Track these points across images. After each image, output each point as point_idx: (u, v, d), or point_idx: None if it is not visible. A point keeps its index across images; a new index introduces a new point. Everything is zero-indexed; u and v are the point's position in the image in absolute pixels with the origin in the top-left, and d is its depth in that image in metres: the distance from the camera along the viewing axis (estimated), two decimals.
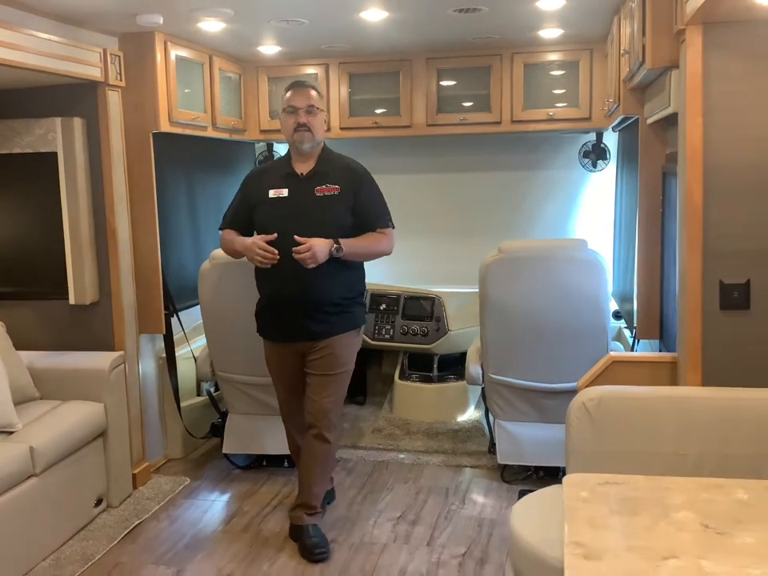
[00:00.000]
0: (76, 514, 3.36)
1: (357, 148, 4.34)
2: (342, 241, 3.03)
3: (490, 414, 3.99)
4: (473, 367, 3.83)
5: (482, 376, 3.81)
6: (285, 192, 3.11)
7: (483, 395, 3.95)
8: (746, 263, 2.49)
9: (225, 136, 4.40)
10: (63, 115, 3.46)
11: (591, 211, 4.91)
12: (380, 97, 4.58)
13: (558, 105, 4.37)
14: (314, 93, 3.15)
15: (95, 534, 3.35)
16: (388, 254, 3.21)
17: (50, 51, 3.11)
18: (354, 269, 3.20)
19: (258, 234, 3.14)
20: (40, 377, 3.51)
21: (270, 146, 5.05)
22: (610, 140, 4.72)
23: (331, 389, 3.19)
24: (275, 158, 3.35)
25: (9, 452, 2.98)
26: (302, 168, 3.13)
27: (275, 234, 3.02)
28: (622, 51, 3.09)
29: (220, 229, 3.31)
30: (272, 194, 3.12)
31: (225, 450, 3.99)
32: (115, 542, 3.29)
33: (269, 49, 4.24)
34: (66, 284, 3.59)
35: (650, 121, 3.19)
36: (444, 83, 4.50)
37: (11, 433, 3.14)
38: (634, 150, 3.77)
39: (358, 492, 3.77)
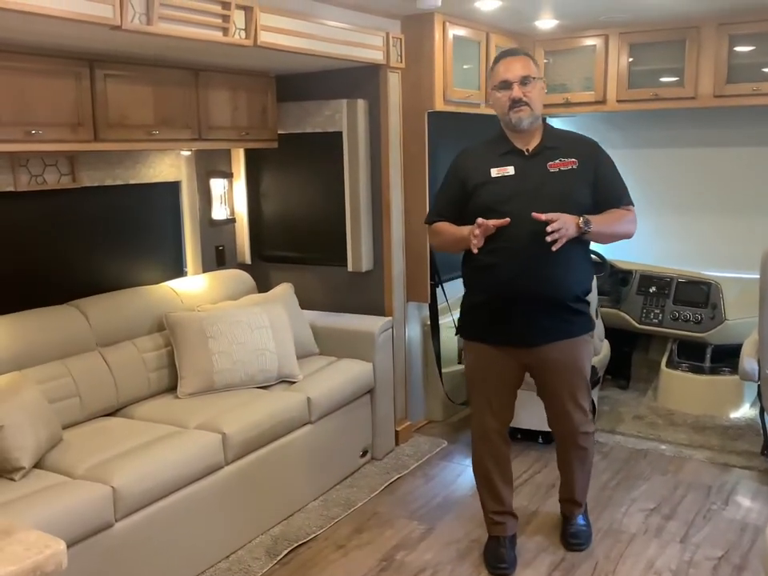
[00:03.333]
0: (344, 462, 3.70)
1: (627, 120, 4.16)
2: (587, 216, 2.62)
3: (765, 414, 3.66)
4: (747, 361, 3.53)
5: (758, 372, 3.51)
6: (510, 170, 2.69)
7: (759, 392, 3.63)
8: None
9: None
10: (348, 97, 3.75)
11: None
12: (662, 67, 4.33)
13: None
14: (527, 61, 2.72)
15: (359, 482, 3.67)
16: (631, 235, 2.79)
17: (339, 38, 3.38)
18: (589, 261, 2.86)
19: (476, 217, 2.63)
20: (319, 334, 3.90)
21: (543, 120, 5.01)
22: None
23: (581, 400, 2.87)
24: (483, 139, 2.89)
25: (290, 400, 3.36)
26: (526, 144, 2.73)
27: (507, 219, 2.58)
28: None
29: (430, 222, 2.88)
30: (495, 172, 2.70)
31: None
32: (375, 493, 3.57)
33: (546, 23, 4.21)
34: (345, 252, 3.92)
35: None
36: (737, 50, 4.12)
37: (293, 383, 3.53)
38: None
39: (612, 477, 3.69)
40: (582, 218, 2.60)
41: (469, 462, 3.85)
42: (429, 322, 4.26)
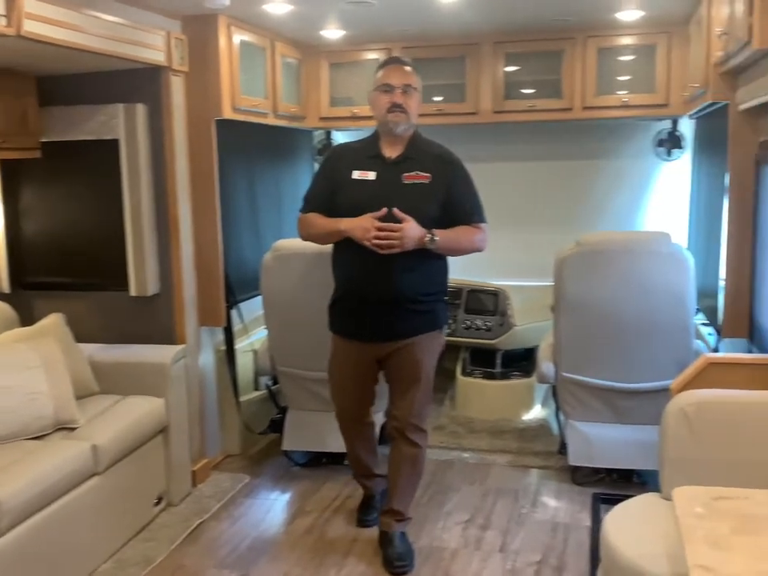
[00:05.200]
0: (137, 513, 3.27)
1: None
2: (435, 231, 2.78)
3: (560, 414, 3.82)
4: (545, 365, 3.66)
5: (555, 374, 3.64)
6: (371, 175, 2.85)
7: (554, 394, 3.78)
8: None
9: (284, 123, 4.28)
10: (126, 101, 3.37)
11: (663, 202, 4.69)
12: (444, 83, 4.41)
13: (632, 91, 4.15)
14: (411, 71, 2.88)
15: (156, 534, 3.26)
16: (481, 250, 2.96)
17: (114, 34, 3.00)
18: (440, 262, 2.96)
19: (338, 216, 2.88)
20: (100, 370, 3.43)
21: (328, 134, 4.93)
22: (686, 128, 4.50)
23: (414, 393, 2.97)
24: (359, 139, 3.09)
25: (72, 450, 2.89)
26: (391, 152, 2.88)
27: (385, 210, 2.72)
28: (718, 32, 2.88)
29: (302, 212, 3.02)
30: (356, 175, 2.86)
31: (284, 447, 3.88)
32: (176, 543, 3.19)
33: (332, 33, 4.11)
34: (127, 275, 3.51)
35: (744, 106, 2.98)
36: (512, 68, 4.31)
37: (73, 429, 3.06)
38: (715, 138, 3.57)
39: (423, 492, 3.63)
40: (428, 235, 2.76)
41: (275, 496, 3.72)
42: (223, 347, 3.95)
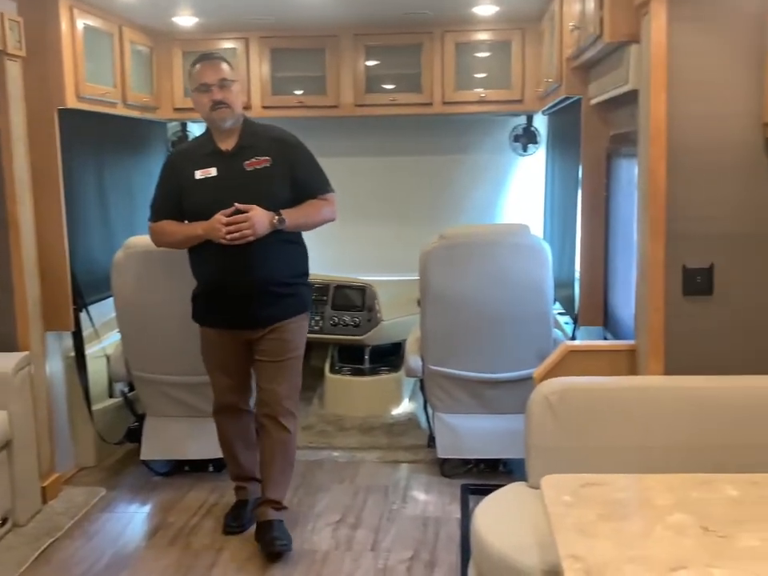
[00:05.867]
0: None
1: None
2: (283, 211, 2.85)
3: (428, 407, 3.83)
4: (413, 359, 3.65)
5: (422, 367, 3.65)
6: (213, 171, 2.89)
7: (422, 387, 3.79)
8: (709, 247, 2.42)
9: (135, 114, 4.05)
10: None
11: (520, 196, 4.83)
12: (305, 75, 4.34)
13: (489, 86, 4.24)
14: (224, 65, 2.93)
15: (1, 558, 2.99)
16: (332, 220, 3.05)
17: None
18: (297, 245, 3.04)
19: (190, 220, 2.94)
20: None
21: (183, 126, 4.72)
22: (540, 124, 4.64)
23: (284, 375, 3.02)
24: (192, 138, 3.22)
25: None
26: (226, 144, 2.92)
27: (234, 207, 2.77)
28: (570, 27, 2.96)
29: (151, 221, 3.03)
30: (199, 174, 2.89)
31: (143, 457, 3.68)
32: (25, 566, 2.93)
33: (185, 20, 3.93)
34: None
35: (595, 101, 3.09)
36: (372, 62, 4.29)
37: None
38: (568, 133, 3.69)
39: (293, 494, 3.52)
40: (276, 217, 2.82)
41: (135, 508, 3.52)
42: (73, 354, 3.69)
